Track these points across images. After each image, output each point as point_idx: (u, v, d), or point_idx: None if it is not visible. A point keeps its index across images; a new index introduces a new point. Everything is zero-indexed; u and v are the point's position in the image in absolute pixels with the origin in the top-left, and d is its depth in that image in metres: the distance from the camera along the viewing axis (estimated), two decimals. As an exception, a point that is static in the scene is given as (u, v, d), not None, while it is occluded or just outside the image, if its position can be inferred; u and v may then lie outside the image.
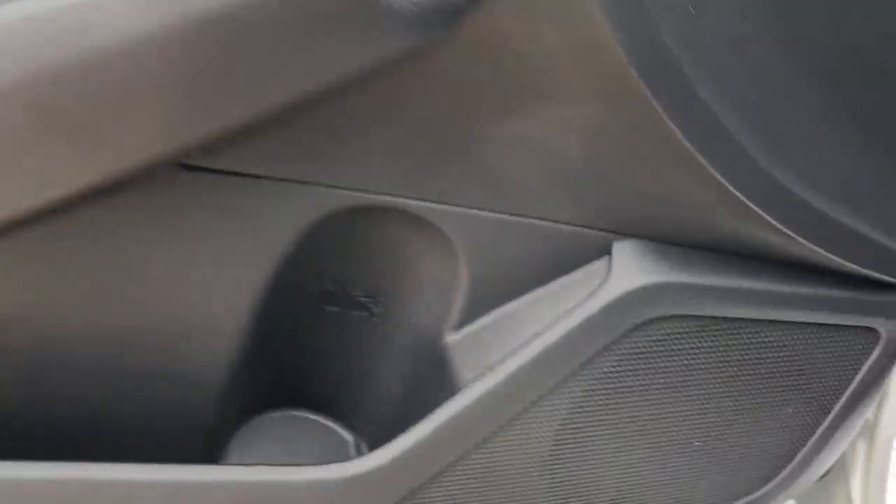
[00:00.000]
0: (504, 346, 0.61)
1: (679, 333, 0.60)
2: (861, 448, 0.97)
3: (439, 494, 0.64)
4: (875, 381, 0.68)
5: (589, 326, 0.58)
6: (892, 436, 0.92)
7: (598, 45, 0.47)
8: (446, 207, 0.57)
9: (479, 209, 0.57)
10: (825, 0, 0.51)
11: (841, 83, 0.54)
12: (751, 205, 0.54)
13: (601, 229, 0.59)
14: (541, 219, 0.58)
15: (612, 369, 0.61)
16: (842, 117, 0.54)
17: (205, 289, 0.57)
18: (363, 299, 0.66)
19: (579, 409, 0.62)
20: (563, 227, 0.59)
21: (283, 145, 0.52)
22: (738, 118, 0.51)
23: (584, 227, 0.59)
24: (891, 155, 0.56)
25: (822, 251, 0.57)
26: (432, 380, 0.65)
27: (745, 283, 0.60)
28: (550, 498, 0.67)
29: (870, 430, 0.95)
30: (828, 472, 1.06)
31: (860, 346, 0.65)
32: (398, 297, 0.65)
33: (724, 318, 0.61)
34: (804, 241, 0.57)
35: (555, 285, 0.61)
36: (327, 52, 0.46)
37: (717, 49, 0.49)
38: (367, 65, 0.47)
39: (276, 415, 0.76)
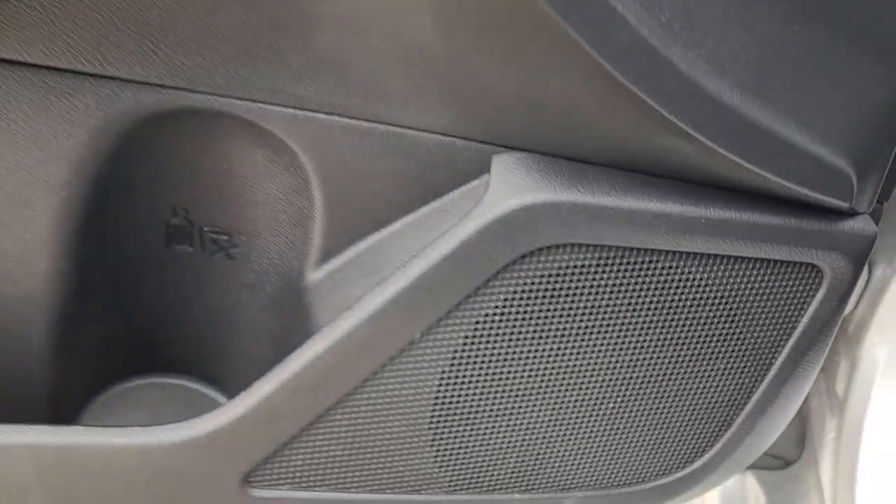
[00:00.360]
0: (369, 284, 0.51)
1: (577, 267, 0.50)
2: (831, 427, 0.87)
3: (300, 461, 0.54)
4: (822, 330, 0.57)
5: (463, 256, 0.48)
6: (864, 412, 0.82)
7: None
8: (283, 110, 0.47)
9: (324, 113, 0.47)
10: None
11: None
12: (652, 103, 0.44)
13: (479, 141, 0.49)
14: (403, 126, 0.48)
15: (498, 310, 0.51)
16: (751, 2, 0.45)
17: None
18: (216, 236, 0.56)
19: (462, 360, 0.52)
20: (431, 137, 0.49)
21: (62, 28, 0.43)
22: None
23: (457, 137, 0.49)
24: (815, 36, 0.46)
25: (743, 162, 0.47)
26: (296, 328, 0.56)
27: (656, 206, 0.50)
28: (439, 468, 0.57)
29: (840, 407, 0.85)
30: (798, 458, 0.97)
31: (801, 288, 0.55)
32: (253, 230, 0.55)
33: (633, 249, 0.51)
34: (722, 150, 0.47)
35: (427, 210, 0.52)
36: None
37: None
38: None
39: (144, 381, 0.67)
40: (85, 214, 0.51)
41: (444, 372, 0.53)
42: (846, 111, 0.48)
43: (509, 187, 0.48)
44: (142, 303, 0.60)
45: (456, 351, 0.52)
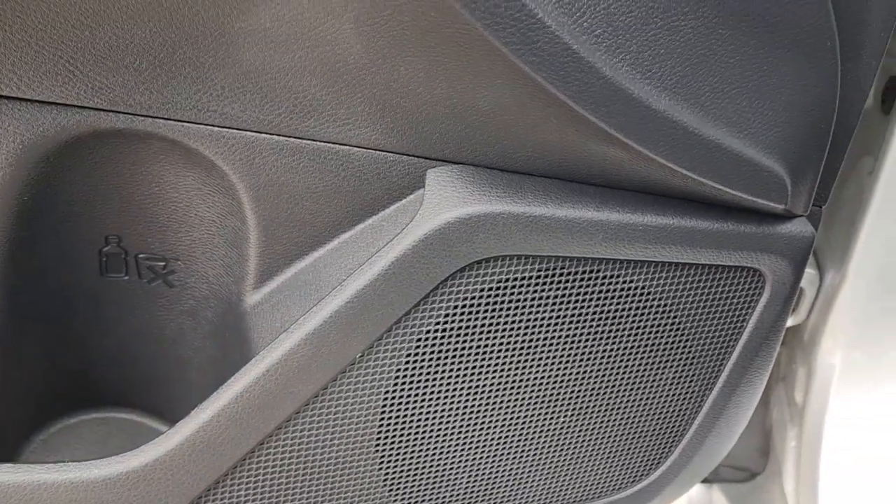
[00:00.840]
0: (307, 305, 0.50)
1: (517, 278, 0.50)
2: (792, 436, 0.87)
3: (244, 491, 0.52)
4: (769, 335, 0.57)
5: (400, 272, 0.47)
6: (823, 419, 0.82)
7: None
8: (210, 129, 0.46)
9: (251, 130, 0.47)
10: None
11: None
12: (579, 109, 0.44)
13: (412, 154, 0.49)
14: (333, 142, 0.48)
15: (440, 326, 0.50)
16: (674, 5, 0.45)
17: None
18: (151, 262, 0.55)
19: (406, 378, 0.51)
20: (363, 152, 0.48)
21: None
22: None
23: (389, 151, 0.49)
24: (742, 39, 0.46)
25: (675, 167, 0.47)
26: (237, 353, 0.54)
27: (592, 214, 0.49)
28: (389, 492, 0.56)
29: (799, 415, 0.85)
30: (763, 469, 0.96)
31: (745, 292, 0.55)
32: (189, 255, 0.54)
33: (572, 259, 0.50)
34: (653, 155, 0.46)
35: (363, 227, 0.51)
36: None
37: None
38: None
39: (87, 416, 0.65)
40: (10, 243, 0.49)
41: (388, 391, 0.51)
42: (777, 114, 0.49)
43: (444, 200, 0.47)
44: (79, 334, 0.58)
45: (399, 369, 0.51)
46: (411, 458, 0.55)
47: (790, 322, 0.78)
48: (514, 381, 0.54)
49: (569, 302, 0.51)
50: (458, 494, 0.57)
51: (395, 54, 0.43)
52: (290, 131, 0.47)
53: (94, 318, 0.57)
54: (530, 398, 0.55)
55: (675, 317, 0.54)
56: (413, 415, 0.53)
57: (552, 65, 0.42)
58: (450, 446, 0.55)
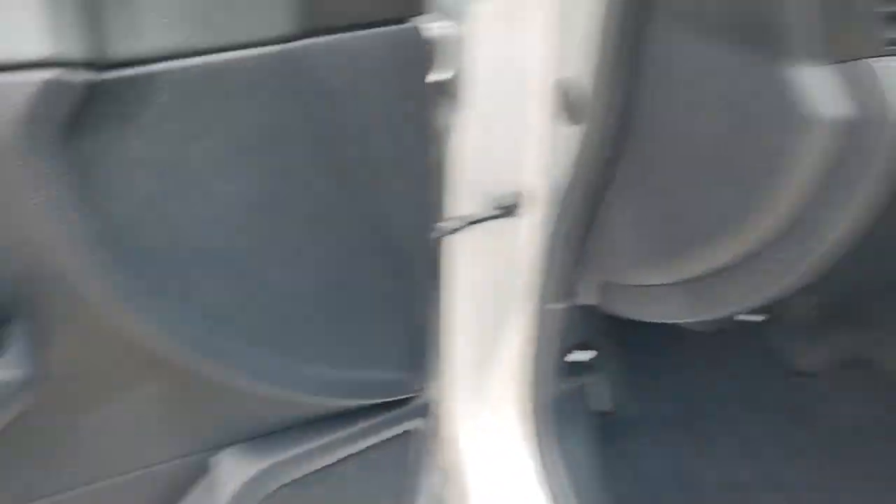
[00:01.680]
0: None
1: (291, 494, 0.80)
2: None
3: None
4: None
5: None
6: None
7: None
8: None
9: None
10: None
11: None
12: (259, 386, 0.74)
13: (197, 452, 0.76)
14: (142, 468, 0.73)
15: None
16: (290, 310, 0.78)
17: None
18: None
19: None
20: (162, 466, 0.74)
21: None
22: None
23: (182, 456, 0.75)
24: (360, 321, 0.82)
25: (345, 400, 0.81)
26: None
27: (315, 443, 0.81)
28: None
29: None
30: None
31: (405, 446, 0.91)
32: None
33: (316, 471, 0.82)
34: (327, 399, 0.80)
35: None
36: None
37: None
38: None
39: None
40: None
41: None
42: (393, 351, 0.85)
43: (230, 475, 0.76)
44: None
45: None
46: None
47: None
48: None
49: (323, 494, 0.83)
50: None
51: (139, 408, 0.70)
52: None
53: None
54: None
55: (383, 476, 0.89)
56: None
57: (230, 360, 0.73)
58: None
